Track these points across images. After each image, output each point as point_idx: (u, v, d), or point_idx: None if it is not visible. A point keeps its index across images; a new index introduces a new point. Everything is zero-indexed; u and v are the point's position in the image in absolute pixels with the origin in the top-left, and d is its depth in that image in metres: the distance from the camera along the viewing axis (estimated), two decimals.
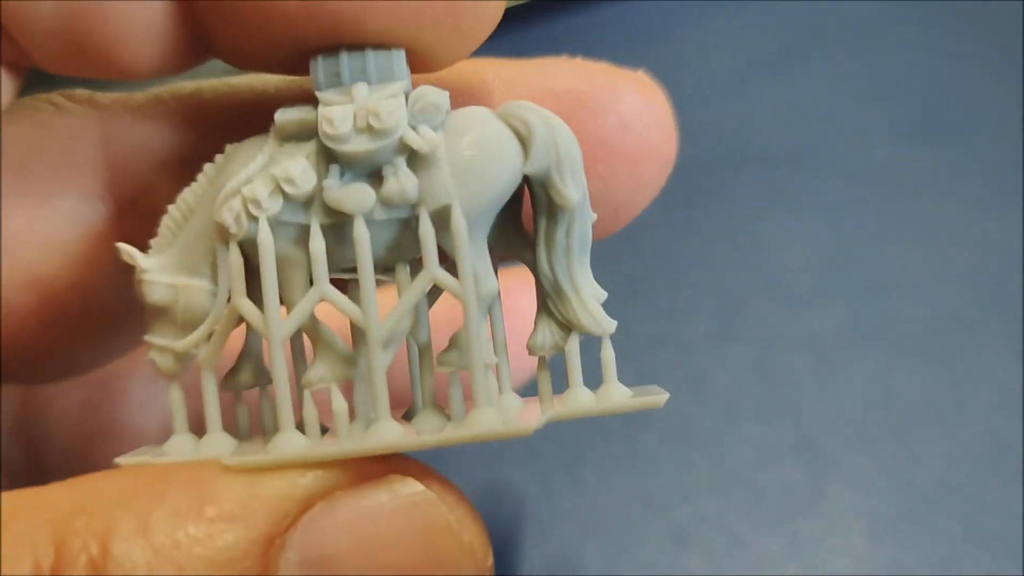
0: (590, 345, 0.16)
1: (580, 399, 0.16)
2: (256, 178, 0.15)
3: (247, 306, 0.15)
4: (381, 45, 0.15)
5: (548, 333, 0.16)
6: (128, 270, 0.16)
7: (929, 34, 0.41)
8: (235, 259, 0.15)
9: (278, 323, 0.15)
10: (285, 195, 0.15)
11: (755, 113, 0.39)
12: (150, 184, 0.18)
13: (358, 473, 0.14)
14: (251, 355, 0.17)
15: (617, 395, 0.16)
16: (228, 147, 0.16)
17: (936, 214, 0.35)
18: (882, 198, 0.36)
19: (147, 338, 0.16)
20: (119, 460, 0.15)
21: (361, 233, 0.15)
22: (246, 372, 0.17)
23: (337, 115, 0.15)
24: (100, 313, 0.18)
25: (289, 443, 0.15)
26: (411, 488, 0.14)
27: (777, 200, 0.36)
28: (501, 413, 0.15)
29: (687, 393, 0.31)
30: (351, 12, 0.15)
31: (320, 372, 0.15)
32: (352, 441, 0.15)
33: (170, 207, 0.16)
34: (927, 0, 0.42)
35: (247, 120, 0.17)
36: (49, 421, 0.22)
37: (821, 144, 0.38)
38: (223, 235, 0.15)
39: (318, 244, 0.15)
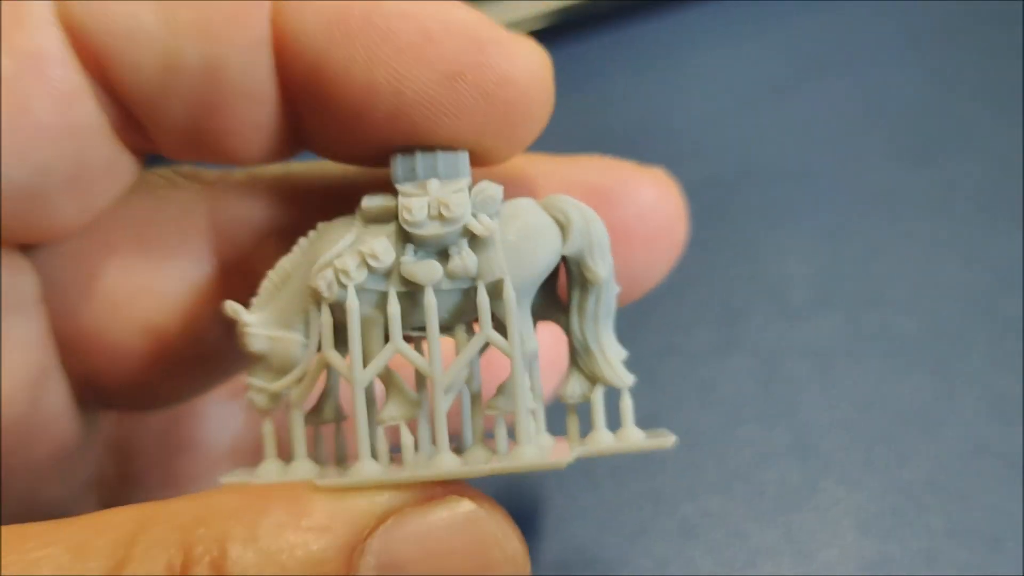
0: (611, 394, 0.20)
1: (603, 440, 0.19)
2: (345, 253, 0.18)
3: (335, 357, 0.18)
4: (449, 147, 0.19)
5: (577, 384, 0.20)
6: (228, 322, 0.19)
7: (924, 61, 0.43)
8: (326, 318, 0.18)
9: (361, 371, 0.18)
10: (369, 268, 0.18)
11: (758, 134, 0.42)
12: (248, 249, 0.21)
13: (423, 494, 0.17)
14: (331, 396, 0.20)
15: (633, 437, 0.19)
16: (320, 224, 0.19)
17: (929, 231, 0.37)
18: (878, 215, 0.38)
19: (247, 380, 0.19)
20: (224, 480, 0.18)
21: (430, 300, 0.18)
22: (328, 410, 0.20)
23: (415, 205, 0.18)
24: (201, 356, 0.22)
25: (367, 469, 0.18)
26: (466, 507, 0.17)
27: (778, 217, 0.39)
28: (540, 450, 0.18)
29: (693, 399, 0.34)
30: (427, 124, 0.18)
31: (392, 412, 0.19)
32: (418, 469, 0.18)
33: (269, 272, 0.19)
34: (923, 28, 0.44)
35: (328, 198, 0.21)
36: (137, 439, 0.25)
37: (821, 164, 0.40)
38: (316, 298, 0.18)
39: (394, 308, 0.18)
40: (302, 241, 0.19)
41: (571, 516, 0.31)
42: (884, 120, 0.41)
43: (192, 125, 0.18)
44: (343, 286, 0.18)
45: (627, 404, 0.20)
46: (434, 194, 0.18)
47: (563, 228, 0.19)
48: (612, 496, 0.31)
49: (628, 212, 0.22)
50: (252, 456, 0.26)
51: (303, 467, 0.19)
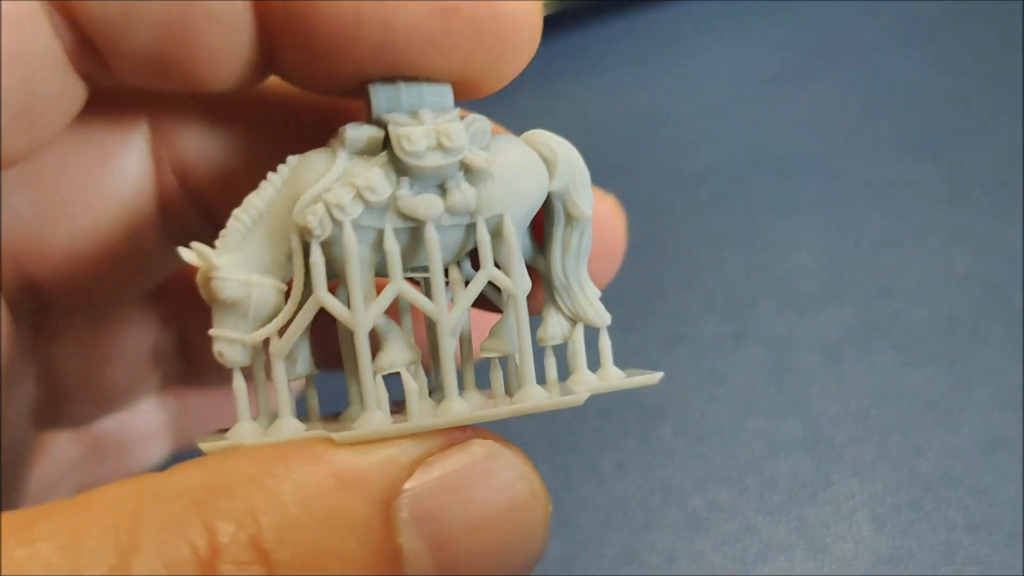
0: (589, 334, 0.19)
1: (587, 379, 0.18)
2: (335, 186, 0.17)
3: (330, 300, 0.17)
4: (432, 79, 0.18)
5: (557, 325, 0.19)
6: (168, 231, 0.18)
7: (932, 51, 0.42)
8: (318, 257, 0.17)
9: (363, 314, 0.17)
10: (365, 202, 0.17)
11: (767, 124, 0.41)
12: (191, 165, 0.21)
13: (444, 441, 0.16)
14: (303, 348, 0.18)
15: (615, 375, 0.19)
16: (292, 157, 0.17)
17: (938, 221, 0.37)
18: (889, 205, 0.37)
19: (214, 332, 0.17)
20: (204, 446, 0.16)
21: (431, 236, 0.17)
22: (301, 363, 0.18)
23: (415, 134, 0.17)
24: (138, 261, 0.22)
25: (379, 420, 0.16)
26: (490, 448, 0.16)
27: (787, 207, 0.38)
28: (545, 391, 0.17)
29: (701, 389, 0.33)
30: (415, 57, 0.17)
31: (392, 358, 0.17)
32: (437, 417, 0.17)
33: (237, 211, 0.17)
34: (932, 17, 0.43)
35: (281, 126, 0.20)
36: (58, 355, 0.24)
37: (830, 154, 0.40)
38: (305, 236, 0.17)
39: (393, 245, 0.17)
40: (273, 177, 0.17)
41: (575, 510, 0.30)
42: (895, 109, 0.41)
43: (156, 52, 0.17)
44: (336, 222, 0.17)
45: (606, 343, 0.19)
46: (431, 124, 0.17)
47: (549, 164, 0.18)
48: (618, 489, 0.30)
49: None
50: (172, 361, 0.26)
51: (291, 425, 0.17)
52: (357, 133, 0.17)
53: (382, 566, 0.15)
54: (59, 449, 0.26)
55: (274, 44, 0.18)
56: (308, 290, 0.17)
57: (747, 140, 0.41)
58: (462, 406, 0.17)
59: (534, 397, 0.17)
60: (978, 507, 0.28)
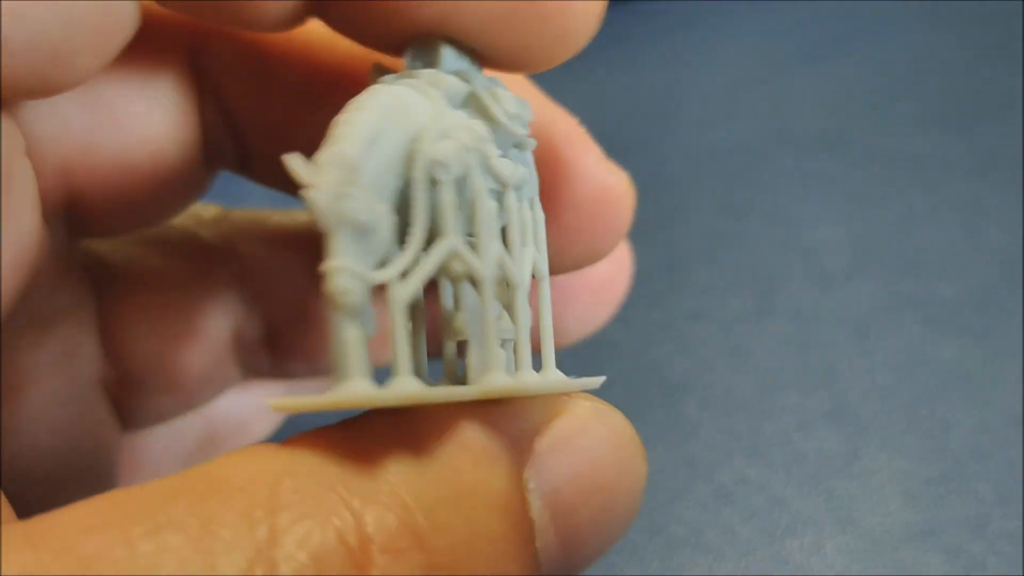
0: None
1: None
2: (468, 126, 0.15)
3: (465, 249, 0.15)
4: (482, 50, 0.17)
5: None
6: (213, 147, 0.18)
7: (962, 25, 0.42)
8: (450, 197, 0.15)
9: (491, 264, 0.15)
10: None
11: (792, 100, 0.41)
12: (230, 92, 0.20)
13: (556, 405, 0.15)
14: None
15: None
16: (379, 86, 0.16)
17: (965, 196, 0.36)
18: (913, 181, 0.37)
19: (337, 263, 0.13)
20: (272, 404, 0.14)
21: (511, 203, 0.16)
22: (370, 320, 0.15)
23: (509, 99, 0.16)
24: (183, 179, 0.21)
25: (502, 380, 0.15)
26: (595, 408, 0.16)
27: (813, 183, 0.38)
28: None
29: (726, 364, 0.33)
30: (480, 27, 0.17)
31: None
32: (548, 383, 0.16)
33: (342, 118, 0.14)
34: None
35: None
36: (128, 331, 0.23)
37: (855, 129, 0.39)
38: (436, 171, 0.14)
39: (491, 202, 0.15)
40: (367, 100, 0.15)
41: None
42: (920, 84, 0.40)
43: None
44: (464, 165, 0.15)
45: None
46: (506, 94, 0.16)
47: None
48: None
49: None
50: (258, 348, 0.25)
51: (410, 383, 0.14)
52: (457, 85, 0.16)
53: (521, 542, 0.14)
54: (171, 437, 0.25)
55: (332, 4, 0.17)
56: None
57: (771, 116, 0.40)
58: (559, 375, 0.16)
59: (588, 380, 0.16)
60: (1008, 480, 0.28)
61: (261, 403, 0.27)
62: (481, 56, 0.18)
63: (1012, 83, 0.39)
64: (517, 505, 0.14)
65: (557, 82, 0.45)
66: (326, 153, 0.13)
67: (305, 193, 0.13)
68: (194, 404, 0.24)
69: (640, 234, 0.38)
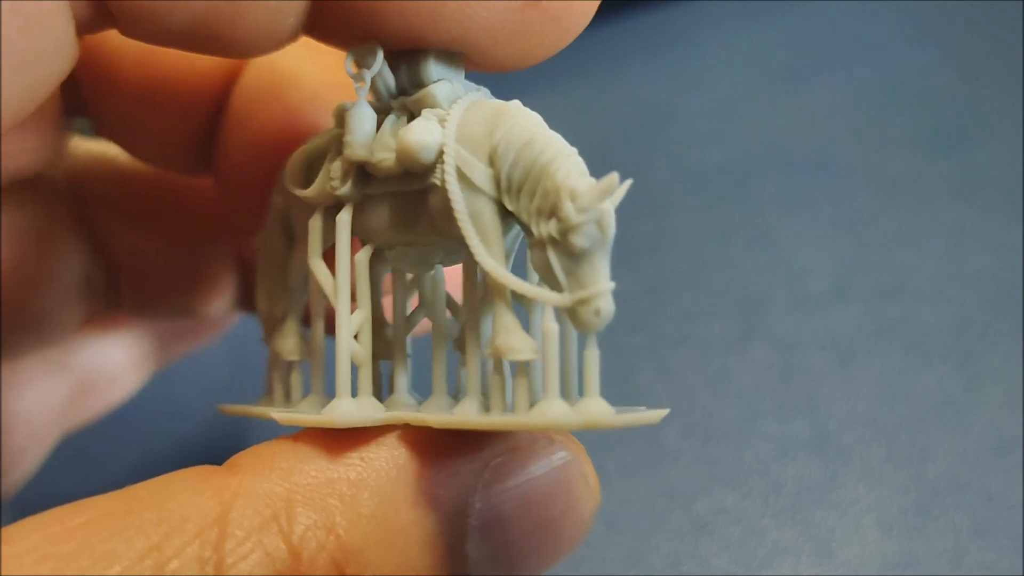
0: None
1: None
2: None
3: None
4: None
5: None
6: None
7: (947, 48, 0.42)
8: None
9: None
10: None
11: (776, 120, 0.41)
12: None
13: (517, 443, 0.16)
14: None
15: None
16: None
17: (950, 220, 0.36)
18: (898, 204, 0.37)
19: (610, 284, 0.15)
20: (277, 418, 0.16)
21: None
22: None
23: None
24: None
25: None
26: (560, 453, 0.16)
27: (797, 205, 0.38)
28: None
29: (708, 390, 0.33)
30: (487, 44, 0.16)
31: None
32: (532, 416, 0.15)
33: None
34: (944, 13, 0.43)
35: None
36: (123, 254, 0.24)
37: (840, 151, 0.39)
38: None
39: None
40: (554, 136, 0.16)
41: None
42: (905, 106, 0.40)
43: (191, 25, 0.16)
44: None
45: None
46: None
47: None
48: (623, 492, 0.30)
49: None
50: (102, 287, 0.25)
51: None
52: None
53: (449, 570, 0.15)
54: (42, 390, 0.26)
55: (327, 18, 0.17)
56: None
57: (756, 137, 0.40)
58: (562, 408, 0.15)
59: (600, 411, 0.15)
60: (986, 512, 0.28)
61: (131, 357, 0.27)
62: (467, 59, 0.17)
63: (997, 105, 0.39)
64: (452, 540, 0.15)
65: (542, 100, 0.45)
66: (582, 182, 0.14)
67: (586, 213, 0.14)
68: (46, 341, 0.25)
69: (623, 257, 0.38)
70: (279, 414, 0.16)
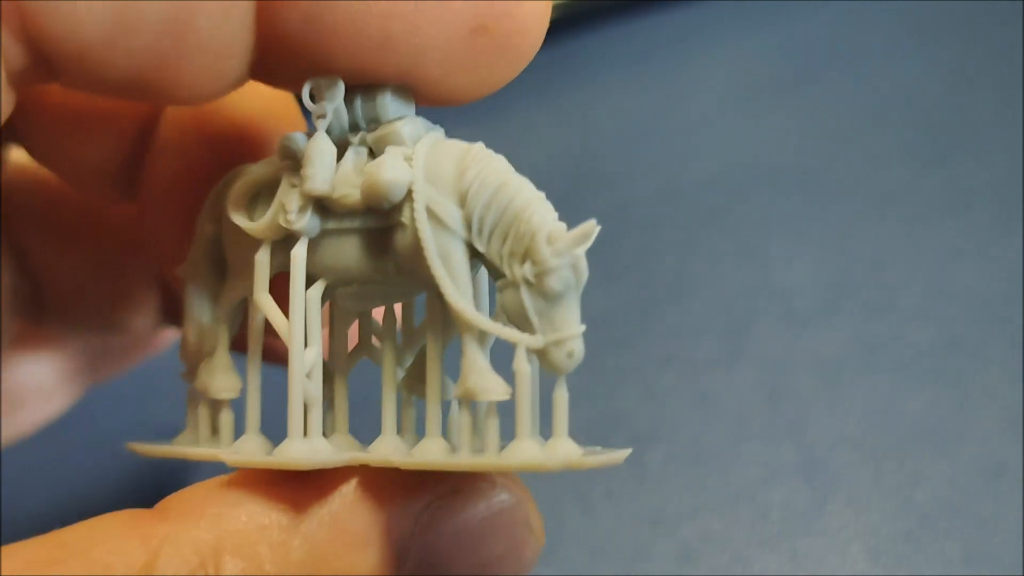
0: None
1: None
2: None
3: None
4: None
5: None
6: None
7: (936, 60, 0.41)
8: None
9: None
10: None
11: (763, 134, 0.40)
12: None
13: (458, 485, 0.16)
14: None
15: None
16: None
17: (941, 236, 0.35)
18: (887, 220, 0.36)
19: (581, 327, 0.15)
20: (227, 459, 0.15)
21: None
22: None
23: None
24: None
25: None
26: (501, 496, 0.16)
27: (784, 221, 0.37)
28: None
29: (694, 412, 0.32)
30: (437, 73, 0.16)
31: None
32: (502, 457, 0.15)
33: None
34: (934, 23, 0.42)
35: None
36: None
37: (828, 165, 0.39)
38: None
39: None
40: (521, 180, 0.16)
41: (562, 540, 0.29)
42: (894, 119, 0.40)
43: (133, 78, 0.16)
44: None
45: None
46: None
47: None
48: (606, 518, 0.30)
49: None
50: (27, 303, 0.25)
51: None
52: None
53: None
54: None
55: (271, 63, 0.16)
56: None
57: (742, 151, 0.40)
58: (533, 449, 0.15)
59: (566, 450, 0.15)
60: (977, 538, 0.28)
61: (59, 374, 0.27)
62: (419, 93, 0.17)
63: (988, 117, 0.39)
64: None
65: (521, 115, 0.44)
66: (557, 227, 0.15)
67: (562, 257, 0.15)
68: None
69: (606, 275, 0.38)
70: (230, 456, 0.16)
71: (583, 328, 0.15)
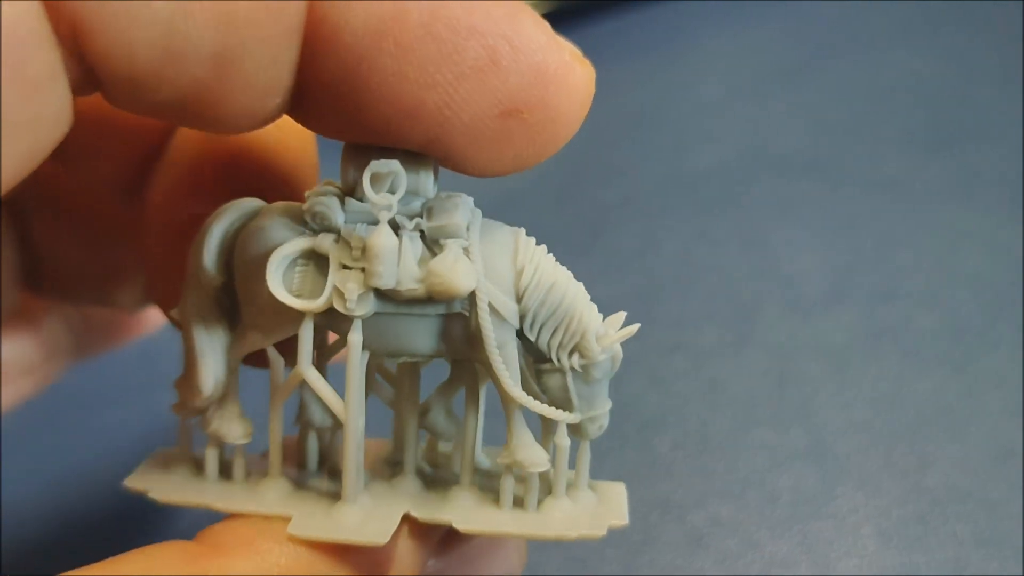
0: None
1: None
2: None
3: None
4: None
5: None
6: None
7: (940, 46, 0.41)
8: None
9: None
10: None
11: (769, 122, 0.40)
12: None
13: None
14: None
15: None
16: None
17: (947, 221, 0.36)
18: (893, 206, 0.36)
19: (609, 405, 0.19)
20: (294, 532, 0.16)
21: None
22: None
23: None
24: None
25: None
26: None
27: (790, 208, 0.37)
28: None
29: (701, 399, 0.32)
30: (464, 147, 0.16)
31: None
32: (547, 527, 0.18)
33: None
34: (939, 13, 0.42)
35: None
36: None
37: (833, 152, 0.39)
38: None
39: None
40: (554, 263, 0.18)
41: None
42: (899, 106, 0.40)
43: (175, 104, 0.16)
44: None
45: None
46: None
47: None
48: None
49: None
50: (20, 277, 0.26)
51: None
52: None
53: None
54: None
55: (310, 107, 0.17)
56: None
57: (748, 139, 0.40)
58: (567, 507, 0.19)
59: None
60: (987, 521, 0.28)
61: (44, 348, 0.27)
62: (443, 163, 0.17)
63: (993, 103, 0.39)
64: None
65: None
66: (603, 327, 0.18)
67: (608, 352, 0.18)
68: None
69: (613, 262, 0.38)
70: (299, 529, 0.17)
71: (610, 404, 0.18)
